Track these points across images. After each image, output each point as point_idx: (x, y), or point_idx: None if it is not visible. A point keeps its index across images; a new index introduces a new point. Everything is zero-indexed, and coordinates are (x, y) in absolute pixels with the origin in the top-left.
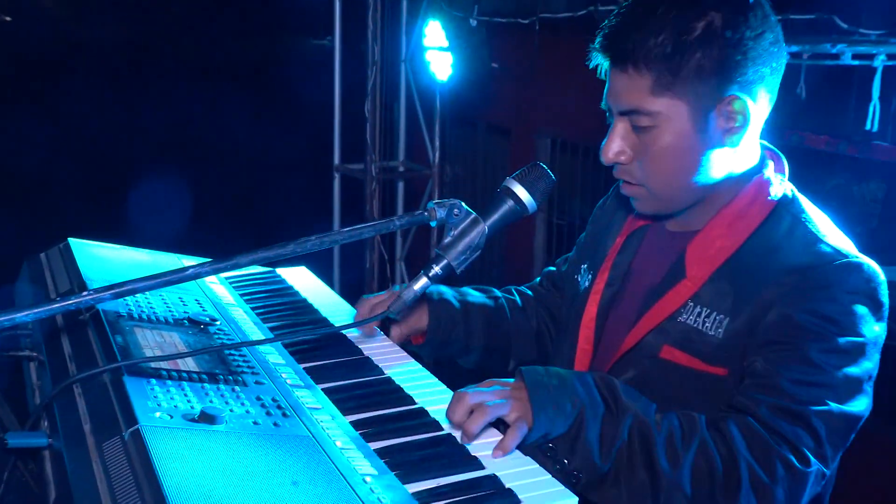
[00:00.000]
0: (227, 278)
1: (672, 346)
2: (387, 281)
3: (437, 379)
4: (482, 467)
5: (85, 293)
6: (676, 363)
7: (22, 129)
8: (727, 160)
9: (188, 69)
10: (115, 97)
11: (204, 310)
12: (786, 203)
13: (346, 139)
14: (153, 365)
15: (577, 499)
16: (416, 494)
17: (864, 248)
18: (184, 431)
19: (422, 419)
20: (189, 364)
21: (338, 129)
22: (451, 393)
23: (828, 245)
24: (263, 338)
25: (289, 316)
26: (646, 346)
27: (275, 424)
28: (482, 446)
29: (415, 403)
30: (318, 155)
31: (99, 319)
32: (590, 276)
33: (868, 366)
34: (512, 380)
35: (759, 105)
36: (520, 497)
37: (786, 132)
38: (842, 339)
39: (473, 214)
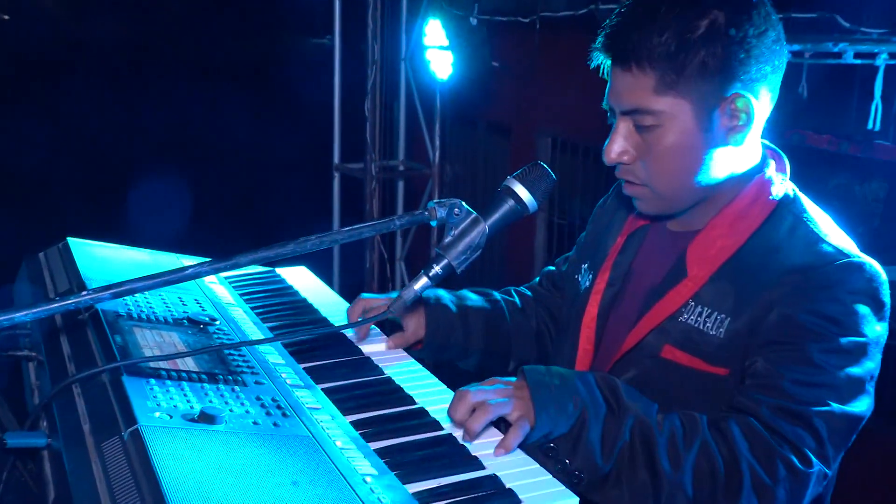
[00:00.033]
0: (226, 278)
1: (673, 346)
2: (387, 281)
3: (437, 379)
4: (483, 467)
5: (84, 293)
6: (677, 363)
7: (21, 129)
8: (730, 159)
9: (187, 68)
10: (114, 96)
11: (203, 309)
12: (787, 203)
13: (345, 138)
14: (152, 365)
15: (577, 499)
16: (417, 494)
17: (865, 248)
18: (183, 431)
19: (422, 419)
20: (188, 364)
21: (337, 129)
22: (452, 393)
23: (829, 245)
24: (263, 338)
25: (288, 316)
26: (647, 346)
27: (274, 424)
28: (483, 446)
29: (415, 403)
30: (318, 154)
31: (98, 319)
32: (590, 276)
33: (870, 366)
34: (514, 378)
35: (761, 103)
36: (520, 497)
37: (787, 131)
38: (843, 340)
39: (474, 214)
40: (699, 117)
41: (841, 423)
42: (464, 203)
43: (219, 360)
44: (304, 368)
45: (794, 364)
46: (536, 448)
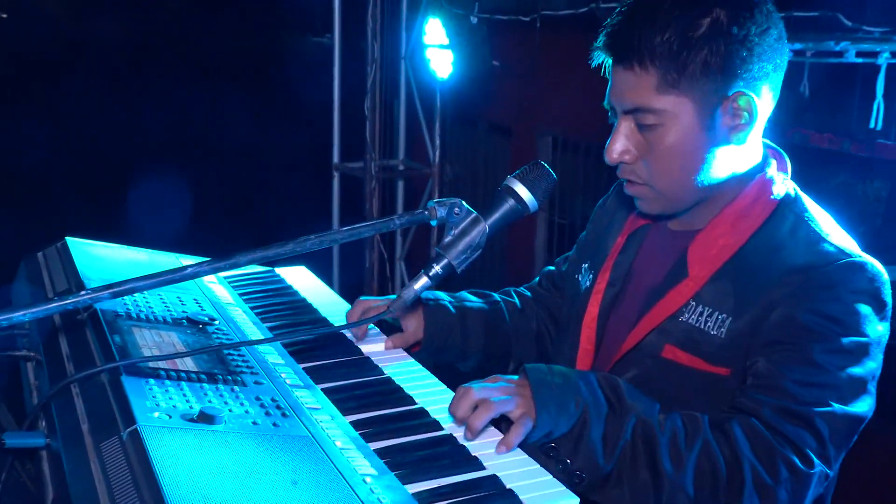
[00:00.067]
0: (225, 278)
1: (674, 346)
2: (386, 280)
3: (437, 379)
4: (483, 468)
5: (83, 292)
6: (678, 363)
7: (20, 128)
8: (732, 158)
9: (185, 66)
10: (113, 95)
11: (202, 309)
12: (788, 202)
13: (345, 137)
14: (151, 365)
15: (578, 499)
16: (417, 495)
17: (867, 248)
18: (182, 431)
19: (422, 419)
20: (188, 364)
21: (337, 128)
22: (452, 393)
23: (831, 244)
24: (262, 337)
25: (288, 316)
26: (647, 346)
27: (274, 425)
28: (483, 446)
29: (415, 403)
30: (318, 153)
31: (97, 319)
32: (591, 276)
33: (872, 366)
34: (516, 377)
35: (763, 102)
36: (521, 498)
37: (789, 130)
38: (845, 340)
39: (474, 213)
40: (701, 116)
41: (843, 424)
42: (464, 202)
43: (218, 360)
44: (303, 368)
45: (796, 364)
46: (538, 449)
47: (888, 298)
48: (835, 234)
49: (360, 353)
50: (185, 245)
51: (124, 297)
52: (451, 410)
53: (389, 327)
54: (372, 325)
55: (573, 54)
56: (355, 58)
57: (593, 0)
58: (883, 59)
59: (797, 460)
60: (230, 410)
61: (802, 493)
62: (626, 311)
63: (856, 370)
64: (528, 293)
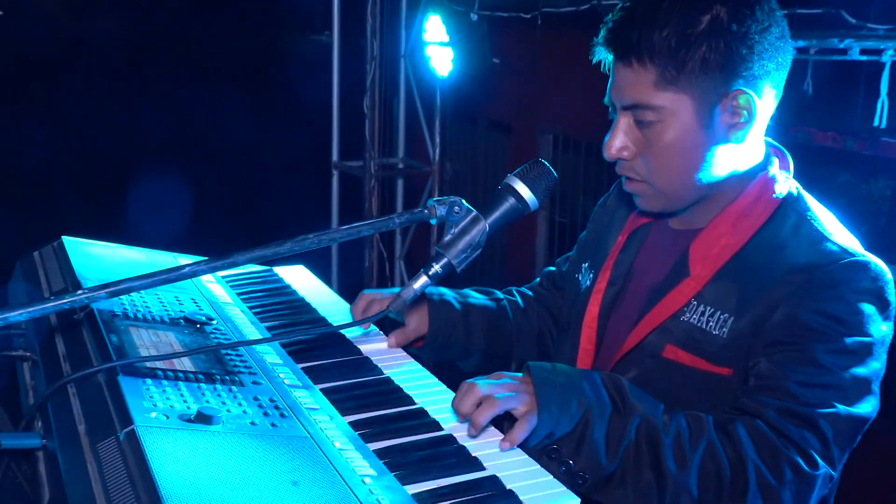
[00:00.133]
0: (223, 277)
1: (676, 346)
2: (386, 280)
3: (436, 379)
4: (483, 468)
5: (79, 292)
6: (680, 363)
7: (20, 128)
8: (731, 157)
9: (185, 65)
10: (112, 94)
11: (200, 309)
12: (791, 201)
13: (344, 136)
14: (149, 365)
15: (578, 500)
16: (416, 496)
17: (871, 247)
18: (180, 432)
19: (421, 419)
20: (185, 364)
21: (336, 126)
22: (452, 393)
23: (834, 243)
24: (261, 337)
25: (286, 315)
26: (648, 346)
27: (272, 425)
28: (483, 446)
29: (414, 404)
30: (317, 152)
31: (93, 319)
32: (591, 275)
33: (876, 366)
34: (520, 374)
35: (764, 101)
36: (521, 498)
37: (792, 128)
38: (849, 340)
39: (474, 212)
40: (700, 114)
41: (846, 425)
42: (464, 201)
43: (216, 360)
44: (302, 368)
45: (799, 365)
46: (540, 451)
47: (892, 298)
48: (838, 233)
49: (360, 352)
50: (183, 244)
51: (121, 297)
52: (455, 406)
53: (392, 323)
54: (372, 325)
55: (574, 52)
56: (354, 56)
57: None
58: (887, 57)
59: (801, 462)
60: (228, 411)
61: (807, 494)
62: (626, 311)
63: (859, 370)
64: (530, 293)
